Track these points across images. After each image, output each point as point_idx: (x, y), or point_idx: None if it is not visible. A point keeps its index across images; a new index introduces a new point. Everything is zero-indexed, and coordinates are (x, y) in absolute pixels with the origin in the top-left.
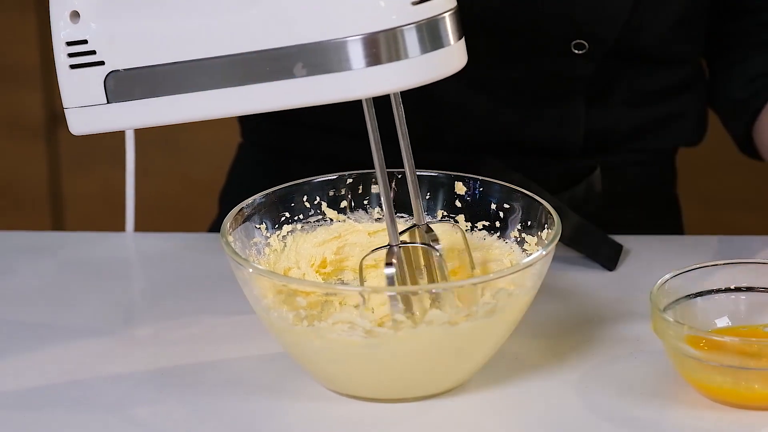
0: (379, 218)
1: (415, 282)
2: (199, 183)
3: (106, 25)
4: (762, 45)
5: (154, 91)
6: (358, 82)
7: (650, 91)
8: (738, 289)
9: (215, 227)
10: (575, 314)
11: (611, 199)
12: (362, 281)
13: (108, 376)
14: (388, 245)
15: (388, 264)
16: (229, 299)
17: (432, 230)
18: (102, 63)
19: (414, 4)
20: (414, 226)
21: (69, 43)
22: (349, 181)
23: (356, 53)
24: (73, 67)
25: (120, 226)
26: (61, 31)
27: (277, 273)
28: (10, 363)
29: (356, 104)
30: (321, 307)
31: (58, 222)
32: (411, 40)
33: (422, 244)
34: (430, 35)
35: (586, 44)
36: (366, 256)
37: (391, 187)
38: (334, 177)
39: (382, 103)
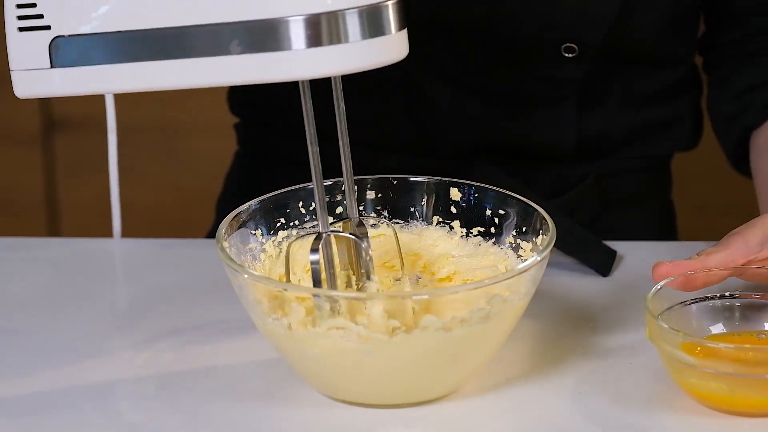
0: (375, 224)
1: (336, 270)
2: (194, 191)
3: None
4: (748, 57)
5: (94, 59)
6: (296, 64)
7: (644, 94)
8: (733, 296)
9: (211, 235)
10: (570, 320)
11: (606, 204)
12: (288, 268)
13: (103, 383)
14: (316, 231)
15: (314, 250)
16: (224, 305)
17: (363, 225)
18: (48, 27)
19: None
20: (346, 218)
21: (19, 6)
22: (344, 187)
23: (295, 34)
24: (21, 29)
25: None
26: None
27: (272, 279)
28: (5, 369)
29: (353, 112)
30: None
31: (53, 229)
32: (352, 24)
33: (351, 234)
34: (372, 22)
35: (576, 48)
36: (292, 241)
37: (388, 194)
38: (329, 183)
39: (372, 109)
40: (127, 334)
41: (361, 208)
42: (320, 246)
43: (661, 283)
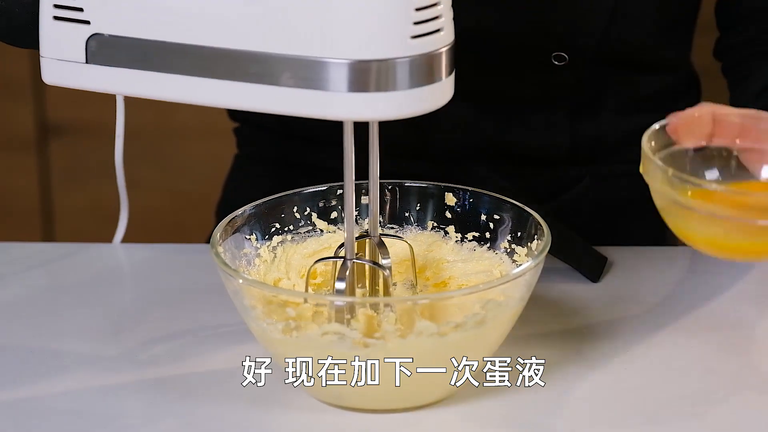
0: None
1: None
2: (191, 195)
3: None
4: (762, 56)
5: (135, 63)
6: (341, 105)
7: (639, 99)
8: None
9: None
10: (564, 326)
11: (600, 209)
12: (306, 287)
13: (100, 388)
14: (342, 257)
15: (340, 279)
16: (220, 310)
17: (384, 244)
18: (87, 23)
19: (413, 37)
20: (367, 235)
21: None
22: (340, 191)
23: (344, 77)
24: (57, 18)
25: (110, 239)
26: None
27: (266, 284)
28: (2, 373)
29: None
30: (311, 317)
31: (48, 235)
32: (402, 73)
33: (373, 263)
34: (423, 70)
35: (566, 56)
36: (315, 263)
37: (383, 199)
38: (324, 188)
39: None
40: (125, 339)
41: (355, 212)
42: (346, 275)
43: (663, 122)
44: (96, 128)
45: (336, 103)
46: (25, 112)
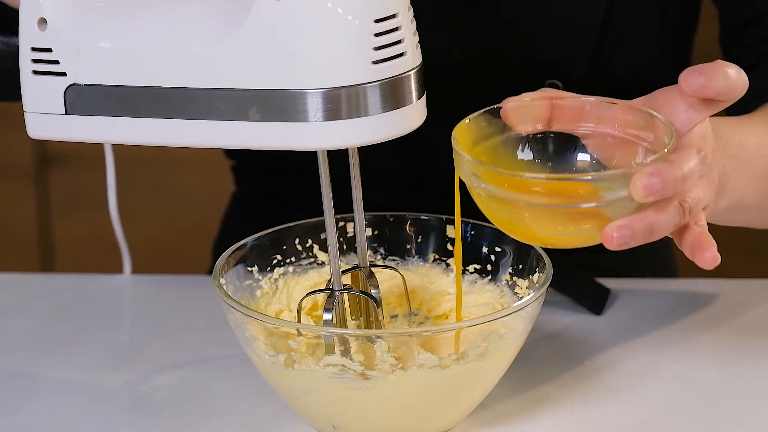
0: (371, 262)
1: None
2: (189, 225)
3: (73, 37)
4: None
5: (111, 110)
6: (313, 135)
7: None
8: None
9: (210, 273)
10: (566, 358)
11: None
12: (299, 317)
13: (100, 419)
14: (329, 289)
15: (327, 309)
16: (221, 342)
17: (373, 275)
18: (64, 74)
19: (375, 63)
20: (356, 267)
21: (34, 49)
22: (341, 224)
23: (312, 106)
24: (35, 73)
25: (109, 269)
26: (28, 35)
27: (268, 315)
28: (2, 405)
29: (346, 153)
30: (313, 349)
31: (47, 265)
32: (369, 98)
33: (361, 292)
34: (392, 94)
35: (559, 83)
36: (304, 297)
37: (385, 231)
38: (319, 220)
39: (364, 147)
40: (125, 370)
41: (356, 245)
42: (333, 306)
43: (496, 106)
44: (95, 158)
45: (308, 134)
46: (24, 141)
